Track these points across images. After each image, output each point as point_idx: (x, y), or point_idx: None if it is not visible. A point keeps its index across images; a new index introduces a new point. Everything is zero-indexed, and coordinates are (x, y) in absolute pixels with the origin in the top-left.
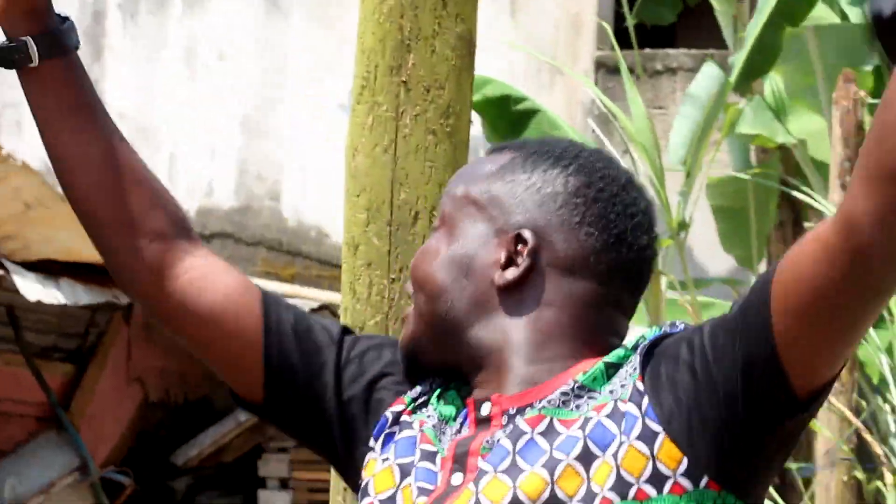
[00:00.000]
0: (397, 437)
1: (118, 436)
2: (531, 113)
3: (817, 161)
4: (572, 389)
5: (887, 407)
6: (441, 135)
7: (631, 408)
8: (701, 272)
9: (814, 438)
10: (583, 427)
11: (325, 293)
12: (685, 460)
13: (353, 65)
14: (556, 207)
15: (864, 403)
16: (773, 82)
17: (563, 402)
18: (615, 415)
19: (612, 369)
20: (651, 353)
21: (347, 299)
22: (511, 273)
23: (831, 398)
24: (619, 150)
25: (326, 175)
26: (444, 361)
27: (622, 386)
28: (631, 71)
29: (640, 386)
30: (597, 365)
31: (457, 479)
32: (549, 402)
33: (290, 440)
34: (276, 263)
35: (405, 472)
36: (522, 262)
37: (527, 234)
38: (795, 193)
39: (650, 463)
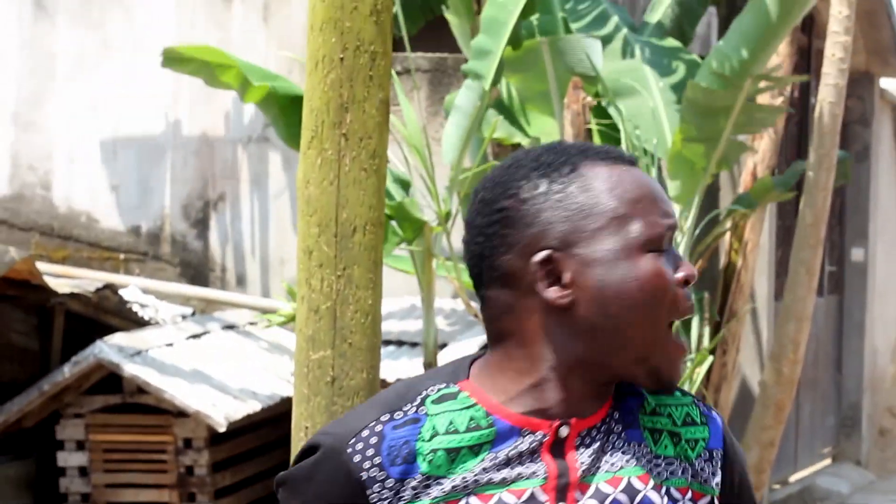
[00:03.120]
0: None
1: None
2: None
3: None
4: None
5: None
6: (370, 171)
7: None
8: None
9: None
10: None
11: (102, 274)
12: None
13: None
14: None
15: None
16: (509, 89)
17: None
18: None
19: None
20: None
21: (304, 290)
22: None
23: None
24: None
25: (93, 166)
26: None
27: (703, 474)
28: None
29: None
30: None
31: None
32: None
33: (86, 406)
34: (48, 246)
35: None
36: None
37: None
38: None
39: None
